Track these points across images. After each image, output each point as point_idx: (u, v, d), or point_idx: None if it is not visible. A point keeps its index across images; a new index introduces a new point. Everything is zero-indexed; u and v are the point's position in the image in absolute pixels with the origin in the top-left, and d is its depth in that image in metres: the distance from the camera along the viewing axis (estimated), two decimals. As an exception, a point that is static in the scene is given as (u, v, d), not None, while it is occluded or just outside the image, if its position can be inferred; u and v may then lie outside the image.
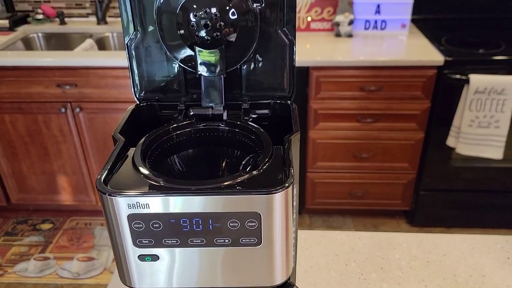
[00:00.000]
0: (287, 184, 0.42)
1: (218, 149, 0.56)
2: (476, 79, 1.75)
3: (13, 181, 2.20)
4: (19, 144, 2.09)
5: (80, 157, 2.11)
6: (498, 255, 0.83)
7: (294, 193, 0.50)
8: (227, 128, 0.56)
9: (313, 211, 2.29)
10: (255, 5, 0.54)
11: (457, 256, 0.83)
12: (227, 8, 0.54)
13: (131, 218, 0.42)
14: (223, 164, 0.57)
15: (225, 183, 0.43)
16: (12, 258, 2.06)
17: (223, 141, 0.56)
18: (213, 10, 0.53)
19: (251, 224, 0.42)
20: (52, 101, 1.96)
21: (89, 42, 2.11)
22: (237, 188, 0.42)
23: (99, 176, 0.43)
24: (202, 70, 0.57)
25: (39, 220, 2.29)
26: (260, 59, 0.58)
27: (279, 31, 0.56)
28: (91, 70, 1.88)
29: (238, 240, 0.43)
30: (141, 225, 0.43)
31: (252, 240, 0.43)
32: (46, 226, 2.26)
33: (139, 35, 0.57)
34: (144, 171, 0.45)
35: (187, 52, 0.57)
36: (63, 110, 1.97)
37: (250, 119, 0.58)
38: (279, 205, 0.42)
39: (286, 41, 0.56)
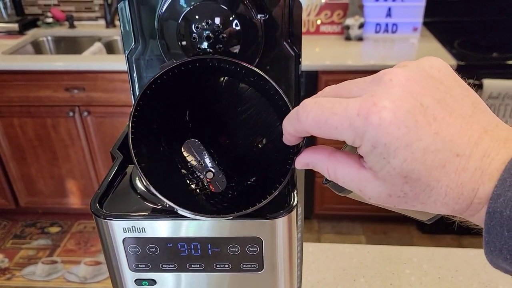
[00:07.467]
0: (290, 208, 0.40)
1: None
2: (490, 84, 1.70)
3: (22, 184, 2.20)
4: (28, 147, 2.09)
5: (88, 161, 2.11)
6: (513, 271, 0.79)
7: (299, 212, 0.48)
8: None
9: (322, 216, 2.26)
10: (259, 16, 0.52)
11: (469, 272, 0.80)
12: (231, 19, 0.51)
13: (127, 242, 0.40)
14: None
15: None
16: (20, 261, 2.07)
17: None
18: (216, 21, 0.51)
19: (252, 249, 0.40)
20: (61, 105, 1.97)
21: (97, 45, 2.11)
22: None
23: (93, 198, 0.41)
24: (205, 83, 0.55)
25: (47, 223, 2.30)
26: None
27: (284, 43, 0.54)
28: (99, 74, 1.88)
29: (238, 265, 0.41)
30: (137, 249, 0.41)
31: (253, 266, 0.41)
32: (54, 229, 2.26)
33: (139, 46, 0.55)
34: (141, 191, 0.43)
35: (189, 64, 0.55)
36: (71, 114, 1.97)
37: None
38: (282, 230, 0.40)
39: (292, 53, 0.54)
